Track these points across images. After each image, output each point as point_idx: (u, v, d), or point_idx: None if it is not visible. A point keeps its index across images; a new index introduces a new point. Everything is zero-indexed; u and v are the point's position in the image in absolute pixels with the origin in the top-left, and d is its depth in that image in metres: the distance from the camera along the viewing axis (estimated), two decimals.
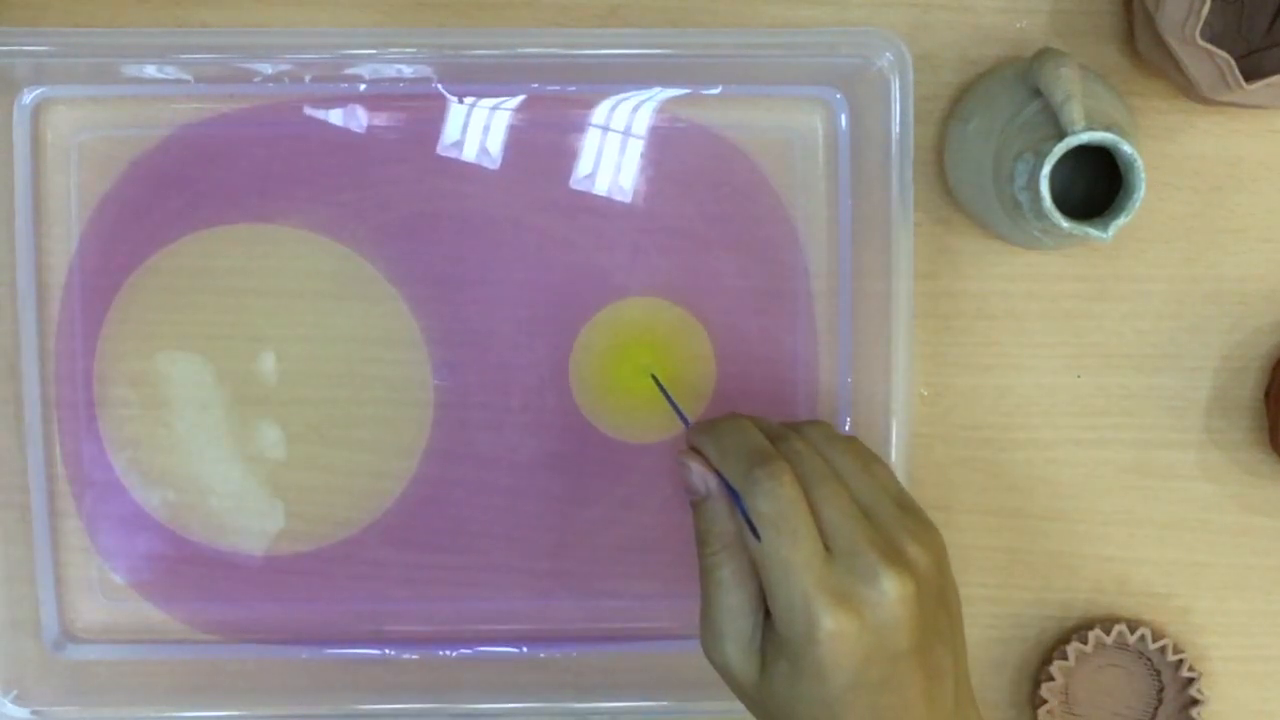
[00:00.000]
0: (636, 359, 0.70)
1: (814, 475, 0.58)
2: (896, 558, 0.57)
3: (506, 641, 0.71)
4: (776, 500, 0.57)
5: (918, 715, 0.57)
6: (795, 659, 0.56)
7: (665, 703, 0.70)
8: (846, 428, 0.71)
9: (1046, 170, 0.60)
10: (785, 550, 0.56)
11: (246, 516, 0.71)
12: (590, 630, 0.71)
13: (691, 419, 0.67)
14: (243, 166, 0.69)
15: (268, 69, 0.67)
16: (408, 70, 0.68)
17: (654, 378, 0.69)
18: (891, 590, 0.56)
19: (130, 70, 0.67)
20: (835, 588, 0.56)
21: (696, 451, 0.60)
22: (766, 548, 0.56)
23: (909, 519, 0.59)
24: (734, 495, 0.58)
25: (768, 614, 0.57)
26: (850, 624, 0.55)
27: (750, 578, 0.58)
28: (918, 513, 0.61)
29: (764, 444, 0.59)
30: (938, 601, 0.58)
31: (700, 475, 0.60)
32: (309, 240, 0.69)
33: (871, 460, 0.61)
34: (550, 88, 0.69)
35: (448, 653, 0.71)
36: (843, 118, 0.70)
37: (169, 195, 0.69)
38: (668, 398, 0.67)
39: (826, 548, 0.57)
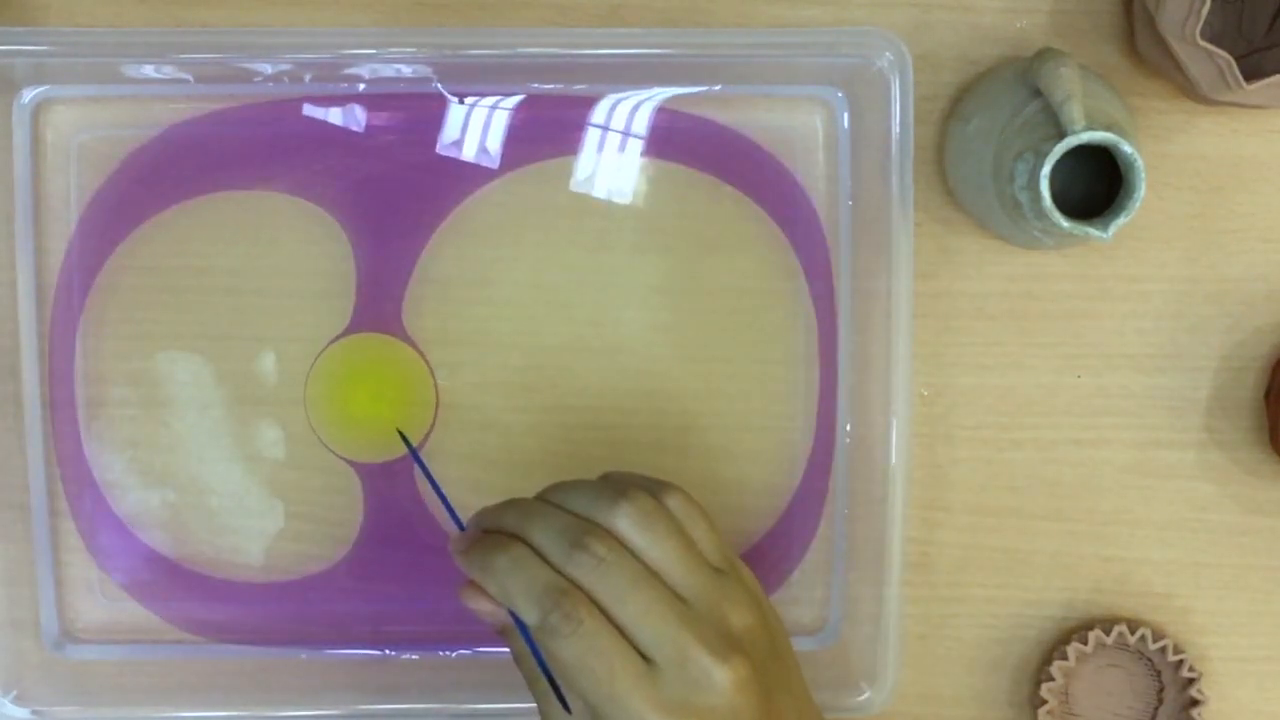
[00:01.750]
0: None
1: (619, 589, 0.54)
2: (724, 646, 0.54)
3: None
4: (578, 643, 0.53)
5: None
6: None
7: None
8: (847, 428, 0.71)
9: (1046, 170, 0.60)
10: (604, 687, 0.53)
11: (246, 516, 0.71)
12: None
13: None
14: (240, 164, 0.69)
15: (267, 69, 0.67)
16: (407, 70, 0.68)
17: (404, 438, 0.64)
18: (727, 684, 0.54)
19: (130, 70, 0.67)
20: (669, 703, 0.53)
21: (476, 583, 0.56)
22: (585, 689, 0.53)
23: (730, 585, 0.57)
24: (528, 640, 0.55)
25: None
26: None
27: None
28: (735, 568, 0.58)
29: (549, 579, 0.54)
30: (770, 655, 0.57)
31: (491, 613, 0.56)
32: (309, 240, 0.69)
33: (691, 521, 0.57)
34: (550, 88, 0.69)
35: (447, 653, 0.71)
36: (843, 117, 0.70)
37: (168, 194, 0.69)
38: (440, 496, 0.61)
39: (648, 658, 0.54)
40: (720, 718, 0.54)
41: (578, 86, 0.69)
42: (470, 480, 0.70)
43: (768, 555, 0.72)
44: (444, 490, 0.61)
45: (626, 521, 0.55)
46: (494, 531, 0.57)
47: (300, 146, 0.69)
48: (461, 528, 0.59)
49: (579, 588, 0.54)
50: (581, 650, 0.53)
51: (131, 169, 0.69)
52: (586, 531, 0.55)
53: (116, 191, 0.69)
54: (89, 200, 0.69)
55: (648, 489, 0.57)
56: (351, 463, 0.70)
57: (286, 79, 0.68)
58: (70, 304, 0.69)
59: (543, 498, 0.58)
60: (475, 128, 0.69)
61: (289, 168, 0.69)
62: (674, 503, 0.57)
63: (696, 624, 0.55)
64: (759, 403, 0.71)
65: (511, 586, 0.55)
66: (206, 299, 0.69)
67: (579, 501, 0.56)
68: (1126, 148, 0.60)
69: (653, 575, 0.55)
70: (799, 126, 0.70)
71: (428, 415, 0.70)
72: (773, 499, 0.71)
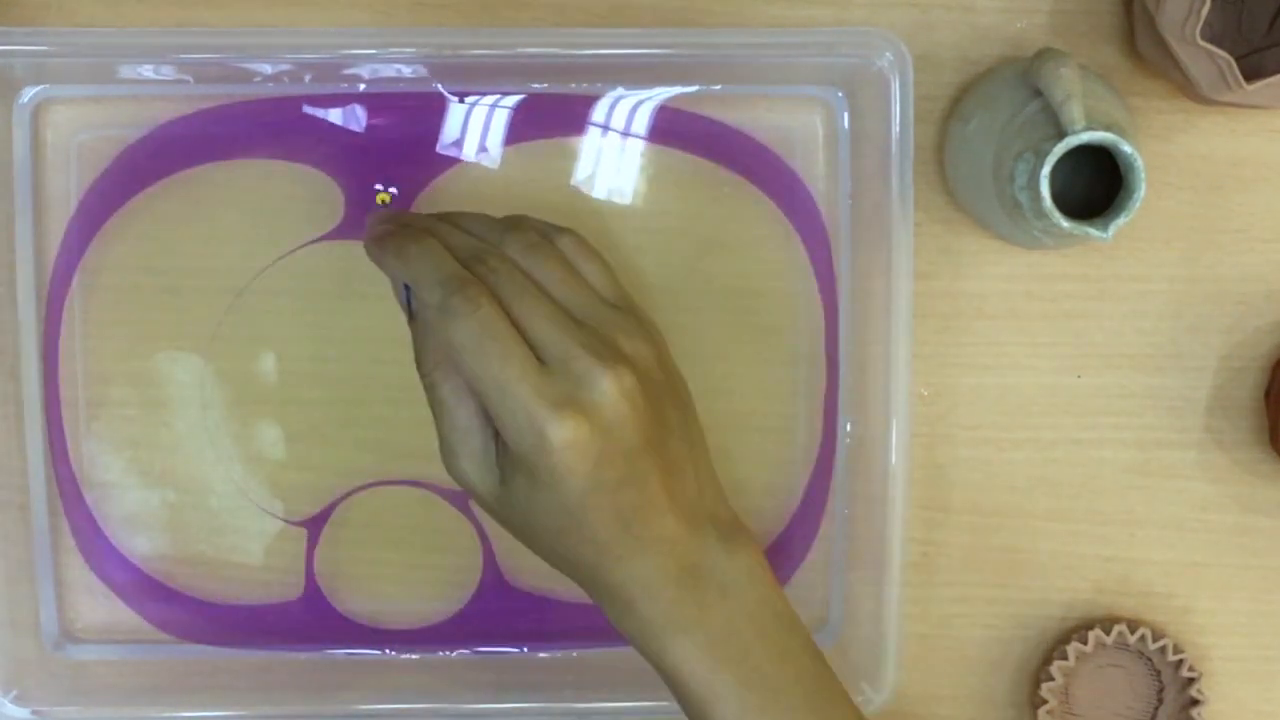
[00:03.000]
0: None
1: (513, 291, 0.57)
2: (611, 356, 0.56)
3: (506, 642, 0.71)
4: (475, 324, 0.55)
5: (660, 507, 0.57)
6: (530, 472, 0.56)
7: (665, 702, 0.70)
8: (847, 428, 0.71)
9: (1046, 170, 0.60)
10: (495, 370, 0.55)
11: (246, 517, 0.70)
12: (590, 630, 0.71)
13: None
14: (240, 163, 0.69)
15: (267, 69, 0.67)
16: (407, 70, 0.68)
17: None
18: (611, 389, 0.56)
19: (130, 70, 0.67)
20: (555, 397, 0.55)
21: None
22: (476, 372, 0.56)
23: (623, 317, 0.59)
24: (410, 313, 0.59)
25: None
26: (577, 430, 0.55)
27: (471, 395, 0.57)
28: (633, 310, 0.60)
29: (454, 269, 0.57)
30: (665, 395, 0.59)
31: (399, 295, 0.60)
32: (310, 238, 0.69)
33: (583, 259, 0.60)
34: (550, 87, 0.69)
35: (447, 653, 0.71)
36: (843, 117, 0.70)
37: (166, 192, 0.69)
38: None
39: (541, 360, 0.56)
40: (604, 419, 0.55)
41: (578, 86, 0.69)
42: None
43: (770, 556, 0.71)
44: None
45: (515, 248, 0.59)
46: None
47: (299, 144, 0.69)
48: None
49: (481, 281, 0.57)
50: (477, 332, 0.56)
51: (122, 167, 0.68)
52: (485, 249, 0.59)
53: (109, 189, 0.69)
54: (80, 198, 0.68)
55: (538, 228, 0.61)
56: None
57: (286, 79, 0.68)
58: (75, 304, 0.69)
59: (445, 219, 0.61)
60: (475, 127, 0.69)
61: (295, 182, 0.69)
62: (565, 241, 0.61)
63: (585, 334, 0.57)
64: (761, 403, 0.71)
65: (421, 269, 0.58)
66: (206, 299, 0.69)
67: (475, 225, 0.60)
68: (1126, 148, 0.60)
69: (543, 291, 0.58)
70: (799, 126, 0.70)
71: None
72: (775, 499, 0.71)
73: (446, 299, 0.56)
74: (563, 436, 0.55)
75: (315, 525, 0.71)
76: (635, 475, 0.56)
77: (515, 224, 0.60)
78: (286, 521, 0.71)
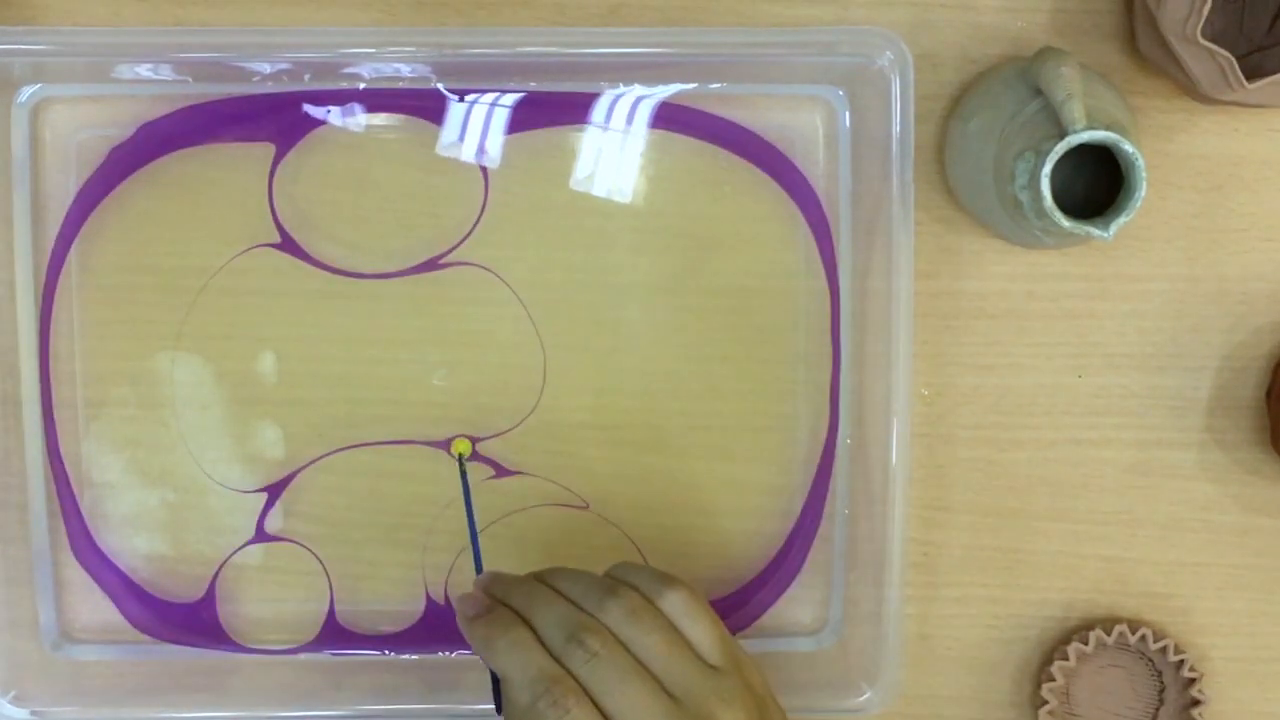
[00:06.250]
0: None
1: (607, 684, 0.55)
2: None
3: None
4: None
5: None
6: None
7: None
8: (847, 428, 0.71)
9: (1047, 169, 0.60)
10: None
11: (246, 517, 0.70)
12: None
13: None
14: (228, 157, 0.69)
15: (267, 68, 0.67)
16: (407, 69, 0.67)
17: (460, 462, 0.67)
18: None
19: (129, 69, 0.67)
20: None
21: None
22: None
23: (723, 682, 0.57)
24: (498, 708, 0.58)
25: None
26: None
27: None
28: (738, 665, 0.58)
29: (543, 666, 0.56)
30: None
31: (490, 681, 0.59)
32: (310, 239, 0.69)
33: (690, 619, 0.58)
34: (550, 87, 0.69)
35: (447, 653, 0.71)
36: (843, 116, 0.69)
37: (161, 190, 0.69)
38: (466, 495, 0.66)
39: None
40: None
41: (578, 85, 0.69)
42: (472, 482, 0.70)
43: (771, 556, 0.71)
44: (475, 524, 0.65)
45: (615, 615, 0.57)
46: (500, 604, 0.59)
47: (304, 148, 0.69)
48: (480, 570, 0.63)
49: (572, 677, 0.56)
50: None
51: (114, 165, 0.68)
52: (583, 625, 0.57)
53: (103, 187, 0.68)
54: (76, 197, 0.68)
55: (646, 586, 0.59)
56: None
57: (286, 78, 0.67)
58: (74, 304, 0.69)
59: (546, 581, 0.60)
60: (475, 126, 0.69)
61: (295, 181, 0.69)
62: (672, 599, 0.59)
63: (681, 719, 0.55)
64: (761, 403, 0.71)
65: (509, 667, 0.57)
66: (205, 299, 0.69)
67: (575, 590, 0.59)
68: (1127, 147, 0.59)
69: (643, 670, 0.56)
70: (799, 125, 0.70)
71: (430, 414, 0.70)
72: (776, 499, 0.71)
73: (534, 703, 0.55)
74: None
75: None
76: None
77: (616, 587, 0.58)
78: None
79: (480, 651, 0.58)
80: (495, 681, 0.59)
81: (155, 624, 0.71)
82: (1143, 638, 0.70)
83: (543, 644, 0.57)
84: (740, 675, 0.58)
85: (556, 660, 0.56)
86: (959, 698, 0.72)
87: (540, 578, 0.60)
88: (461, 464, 0.67)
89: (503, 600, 0.59)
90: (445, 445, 0.70)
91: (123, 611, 0.70)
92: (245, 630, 0.71)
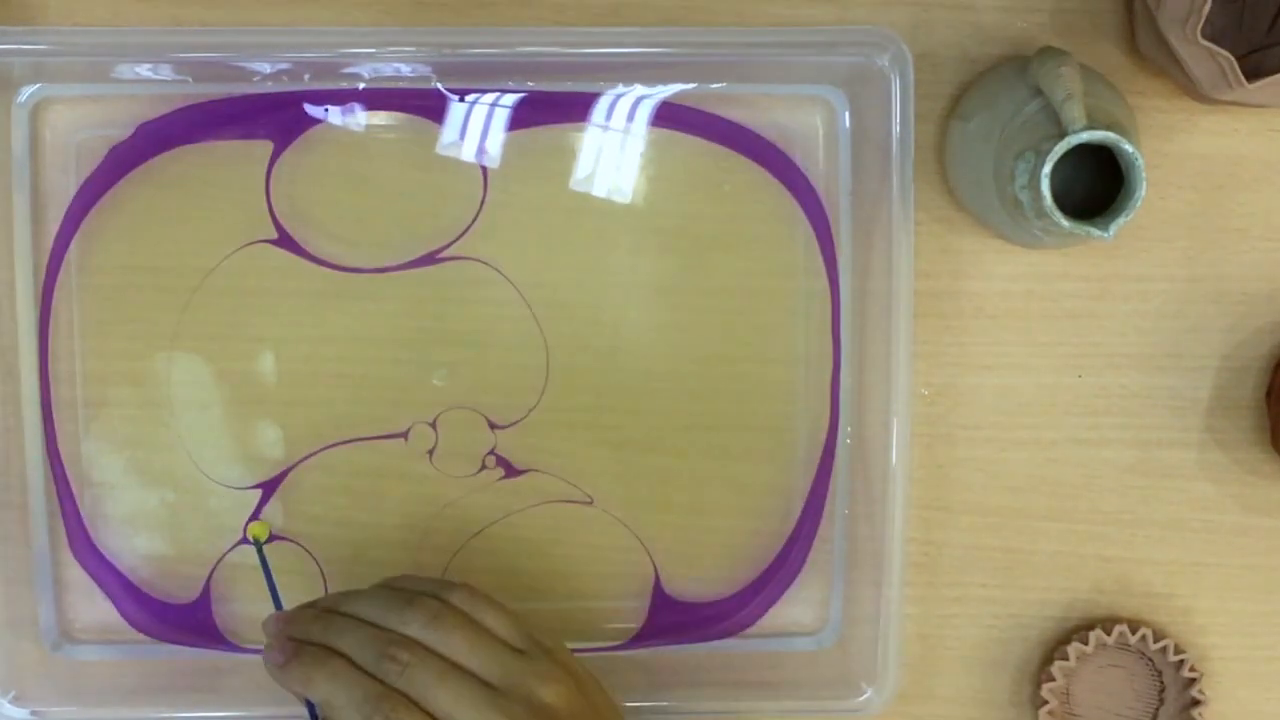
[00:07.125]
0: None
1: (427, 684, 0.58)
2: (535, 715, 0.58)
3: None
4: None
5: None
6: None
7: (665, 702, 0.70)
8: (847, 428, 0.70)
9: (1047, 169, 0.60)
10: None
11: (244, 516, 0.70)
12: (590, 630, 0.71)
13: None
14: (226, 156, 0.69)
15: (266, 68, 0.67)
16: (407, 69, 0.67)
17: (256, 545, 0.69)
18: None
19: (128, 69, 0.67)
20: None
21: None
22: None
23: (535, 663, 0.60)
24: None
25: None
26: None
27: None
28: (541, 648, 0.61)
29: (365, 687, 0.58)
30: (591, 716, 0.60)
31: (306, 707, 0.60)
32: (310, 239, 0.69)
33: (480, 610, 0.61)
34: (550, 86, 0.69)
35: None
36: (843, 116, 0.69)
37: (159, 190, 0.69)
38: (267, 575, 0.67)
39: None
40: None
41: (578, 85, 0.69)
42: (485, 482, 0.70)
43: (771, 557, 0.71)
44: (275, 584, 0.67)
45: (417, 625, 0.59)
46: (304, 642, 0.60)
47: (304, 148, 0.69)
48: (279, 606, 0.65)
49: (395, 691, 0.58)
50: None
51: (113, 164, 0.68)
52: (390, 641, 0.59)
53: (101, 187, 0.68)
54: (74, 196, 0.68)
55: (432, 591, 0.61)
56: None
57: (285, 78, 0.67)
58: (73, 304, 0.69)
59: (339, 609, 0.61)
60: (475, 126, 0.69)
61: (295, 180, 0.69)
62: (458, 598, 0.61)
63: (505, 704, 0.58)
64: (761, 403, 0.71)
65: (334, 696, 0.58)
66: (204, 298, 0.69)
67: (372, 612, 0.60)
68: (1127, 147, 0.59)
69: (458, 668, 0.59)
70: (800, 125, 0.70)
71: (430, 415, 0.70)
72: (776, 499, 0.71)
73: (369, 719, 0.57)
74: None
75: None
76: None
77: (412, 598, 0.60)
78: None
79: (302, 691, 0.59)
80: (311, 710, 0.60)
81: (153, 624, 0.71)
82: (1143, 638, 0.70)
83: (358, 668, 0.59)
84: (550, 657, 0.60)
85: (375, 679, 0.58)
86: (959, 698, 0.72)
87: (331, 608, 0.62)
88: (259, 548, 0.69)
89: (304, 639, 0.60)
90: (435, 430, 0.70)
91: (121, 612, 0.70)
92: (243, 630, 0.71)
